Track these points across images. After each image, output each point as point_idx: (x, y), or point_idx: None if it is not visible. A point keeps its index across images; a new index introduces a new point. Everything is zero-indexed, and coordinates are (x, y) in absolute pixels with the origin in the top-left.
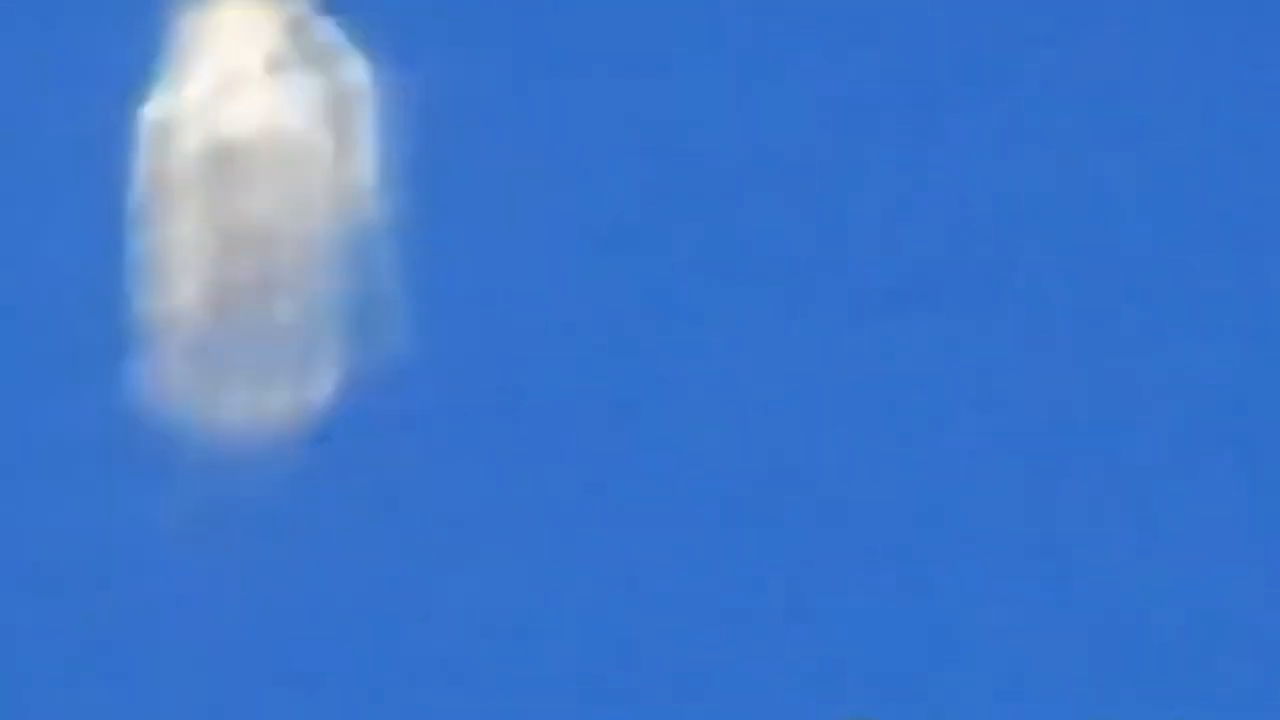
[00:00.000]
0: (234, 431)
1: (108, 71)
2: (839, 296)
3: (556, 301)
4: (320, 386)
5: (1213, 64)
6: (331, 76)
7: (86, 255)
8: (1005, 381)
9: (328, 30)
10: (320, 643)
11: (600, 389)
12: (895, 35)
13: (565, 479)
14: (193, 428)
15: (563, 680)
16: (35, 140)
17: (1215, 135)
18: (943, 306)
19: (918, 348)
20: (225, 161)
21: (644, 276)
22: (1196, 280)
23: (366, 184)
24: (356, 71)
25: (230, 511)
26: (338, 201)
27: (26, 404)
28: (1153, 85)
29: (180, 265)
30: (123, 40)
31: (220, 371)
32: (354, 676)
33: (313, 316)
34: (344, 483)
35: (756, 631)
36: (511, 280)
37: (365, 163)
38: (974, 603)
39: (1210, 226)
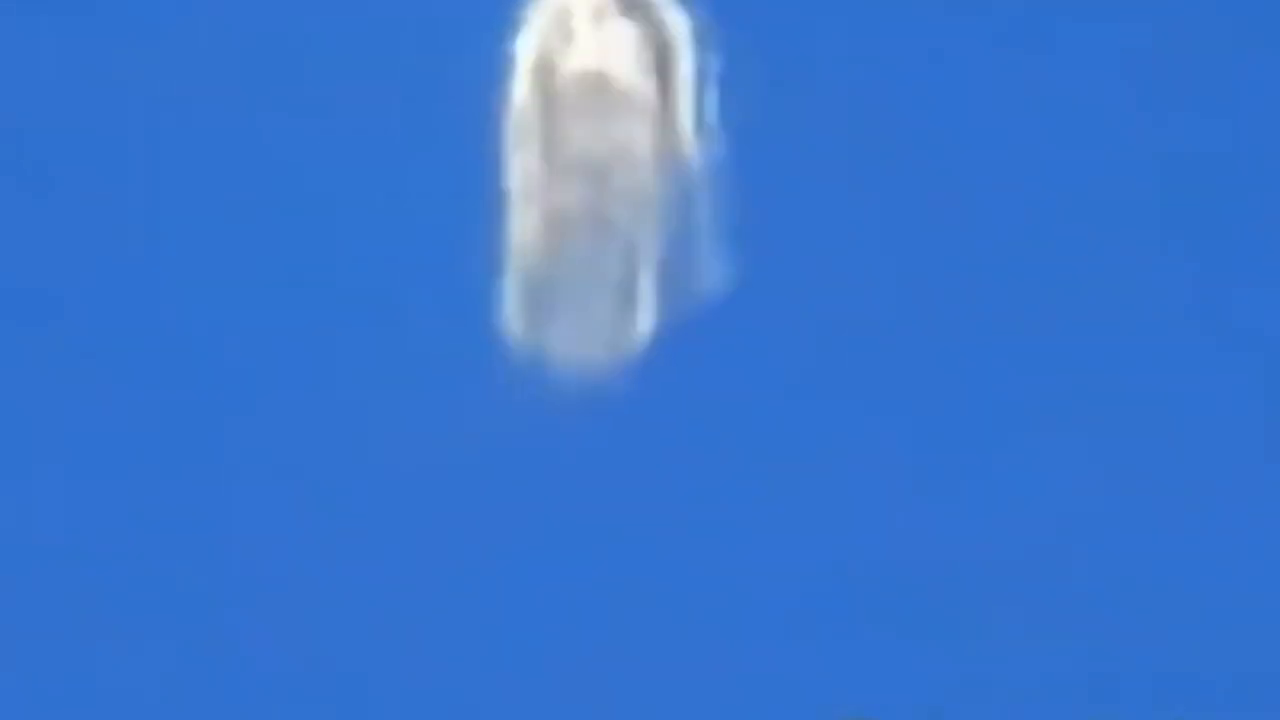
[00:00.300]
0: (563, 362)
1: (475, 11)
2: None
3: (874, 250)
4: (641, 324)
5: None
6: (654, 27)
7: (453, 188)
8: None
9: None
10: (645, 575)
11: (918, 341)
12: None
13: (878, 420)
14: (528, 357)
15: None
16: (406, 76)
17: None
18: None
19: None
20: (557, 101)
21: (970, 230)
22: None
23: (686, 132)
24: (678, 23)
25: (559, 444)
26: (659, 147)
27: (398, 331)
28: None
29: (521, 196)
30: None
31: (551, 301)
32: (688, 599)
33: (636, 256)
34: (662, 420)
35: None
36: (832, 229)
37: (685, 112)
38: (973, 603)
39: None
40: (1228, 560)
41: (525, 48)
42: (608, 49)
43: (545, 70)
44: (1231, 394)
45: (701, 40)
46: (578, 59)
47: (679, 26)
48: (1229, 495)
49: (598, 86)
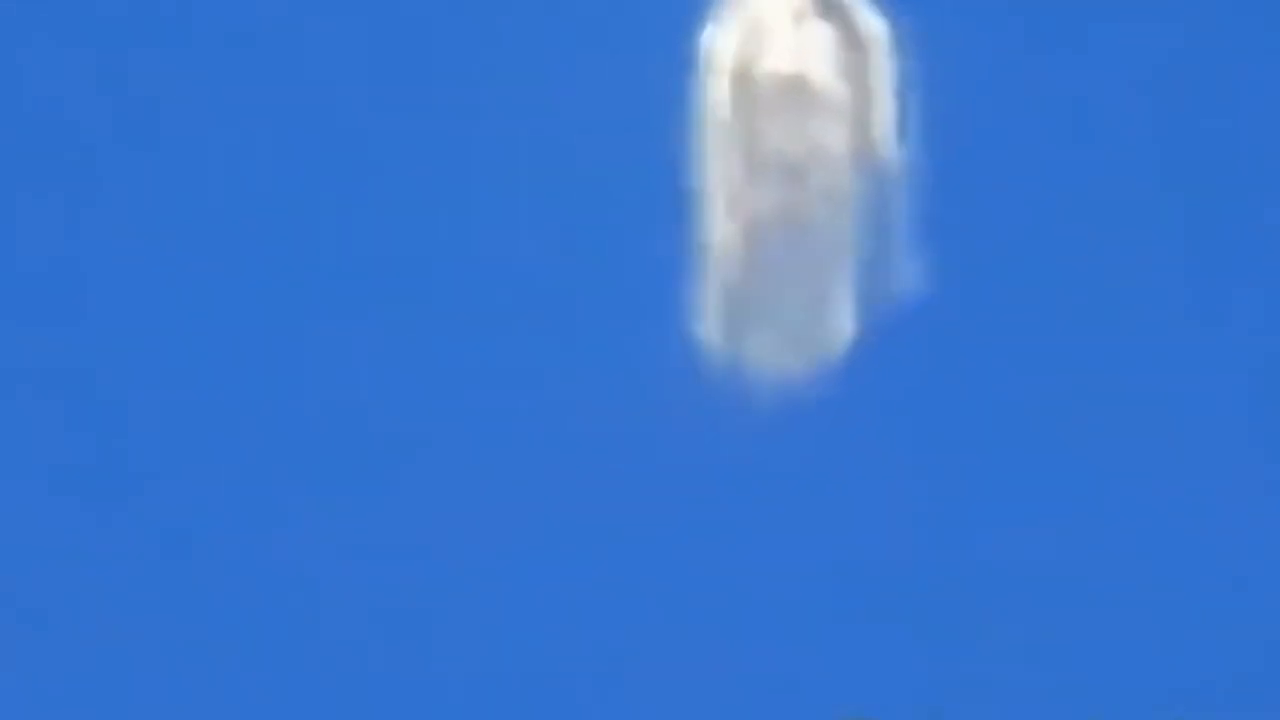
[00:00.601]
0: (761, 368)
1: (670, 11)
2: None
3: (1066, 252)
4: (840, 327)
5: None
6: (850, 29)
7: (646, 191)
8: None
9: None
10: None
11: (1103, 333)
12: None
13: (1070, 419)
14: (726, 362)
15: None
16: (599, 76)
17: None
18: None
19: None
20: (755, 102)
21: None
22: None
23: (883, 134)
24: (874, 25)
25: (758, 453)
26: (855, 149)
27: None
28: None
29: (717, 199)
30: None
31: (749, 306)
32: (894, 603)
33: (831, 258)
34: (869, 422)
35: None
36: (1021, 227)
37: (882, 113)
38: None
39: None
40: (1228, 560)
41: (722, 49)
42: (805, 51)
43: (742, 72)
44: (1234, 393)
45: (898, 43)
46: (775, 61)
47: (876, 28)
48: (1230, 495)
49: (795, 88)
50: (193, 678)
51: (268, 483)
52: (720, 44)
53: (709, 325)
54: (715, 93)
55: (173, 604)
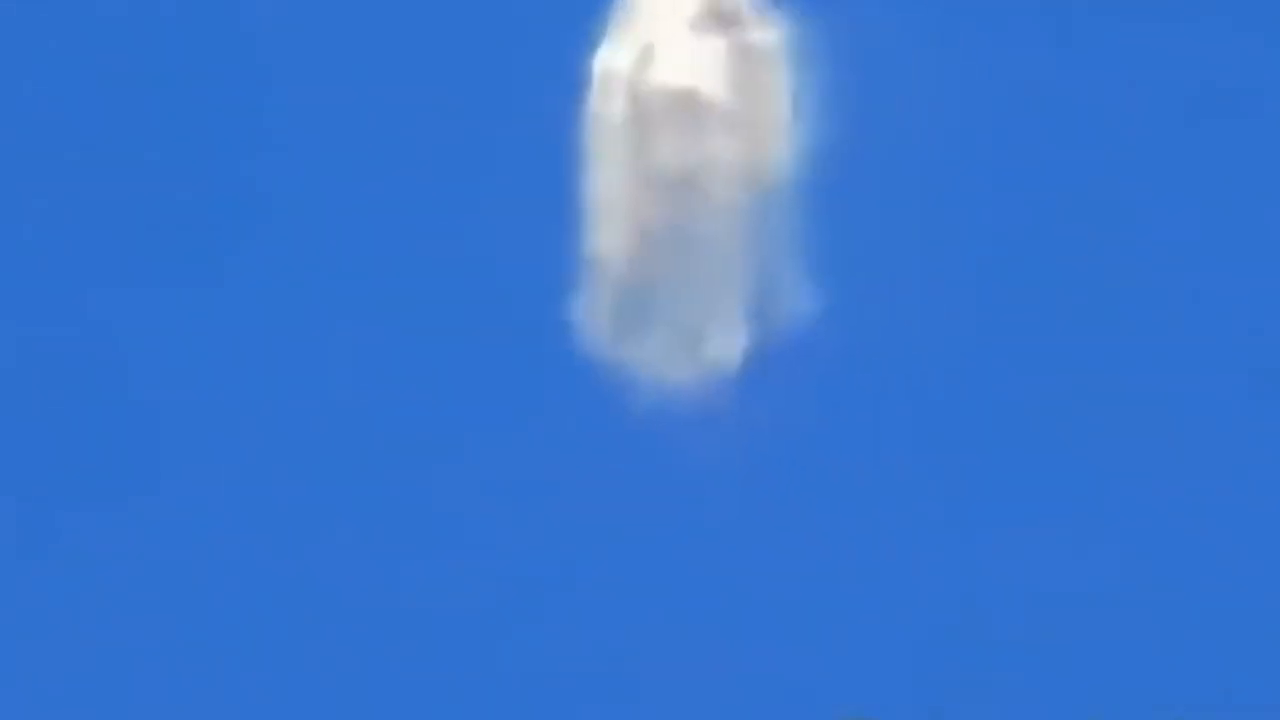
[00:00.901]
0: (648, 381)
1: (564, 22)
2: None
3: (972, 269)
4: (729, 342)
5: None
6: (744, 41)
7: (532, 198)
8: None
9: None
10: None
11: (1008, 368)
12: None
13: (960, 447)
14: (614, 374)
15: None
16: (487, 88)
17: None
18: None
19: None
20: (647, 115)
21: (1073, 252)
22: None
23: (775, 148)
24: (768, 38)
25: (648, 460)
26: (747, 163)
27: (471, 338)
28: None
29: (608, 211)
30: None
31: (637, 319)
32: (764, 613)
33: (721, 272)
34: (758, 437)
35: None
36: (927, 244)
37: (775, 127)
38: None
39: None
40: (1230, 560)
41: (614, 61)
42: (698, 63)
43: (634, 84)
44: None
45: (792, 54)
46: (667, 73)
47: (770, 41)
48: (1232, 495)
49: (687, 101)
50: (186, 677)
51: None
52: (613, 56)
53: (597, 338)
54: (607, 104)
55: (167, 604)
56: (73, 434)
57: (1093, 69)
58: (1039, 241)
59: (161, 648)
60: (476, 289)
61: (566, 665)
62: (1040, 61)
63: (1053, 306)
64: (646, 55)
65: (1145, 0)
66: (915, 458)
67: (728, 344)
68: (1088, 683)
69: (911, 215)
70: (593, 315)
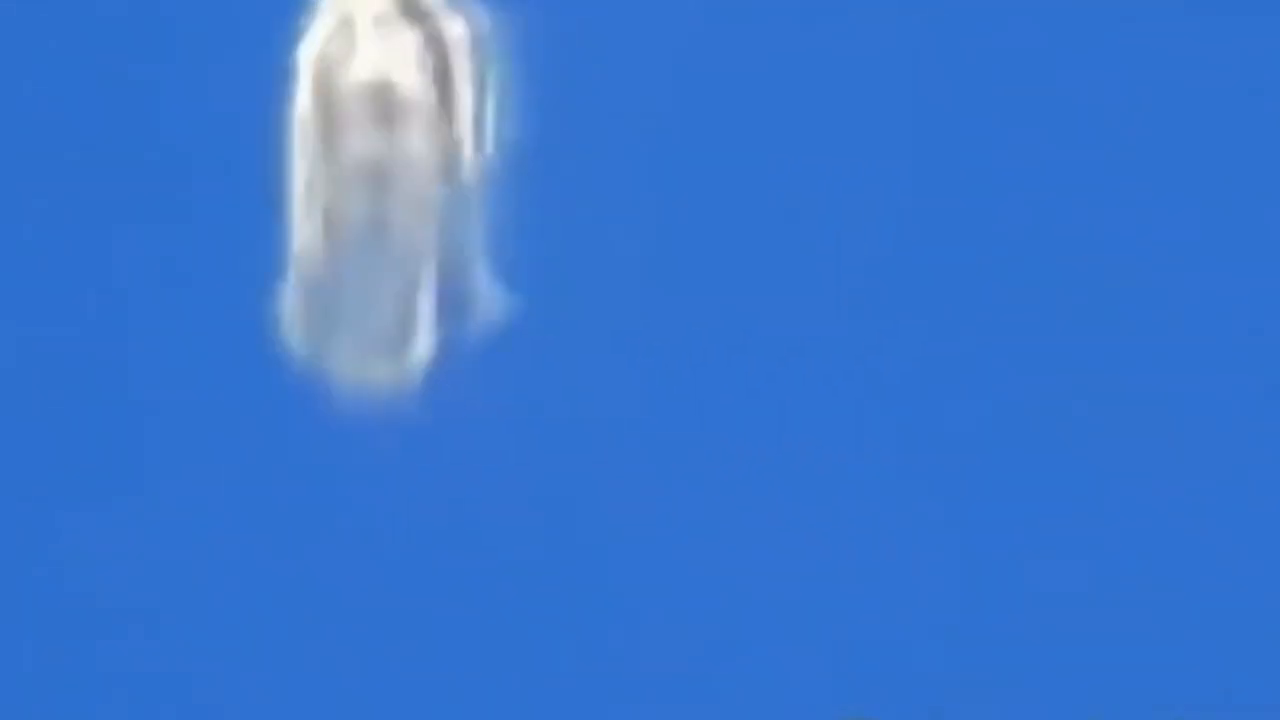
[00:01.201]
0: (345, 377)
1: (257, 16)
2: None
3: (659, 261)
4: (425, 337)
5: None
6: (434, 34)
7: (231, 188)
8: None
9: None
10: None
11: (700, 361)
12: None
13: (655, 444)
14: (311, 369)
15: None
16: (189, 80)
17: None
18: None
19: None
20: (340, 108)
21: (747, 236)
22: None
23: (468, 141)
24: (457, 29)
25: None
26: (440, 156)
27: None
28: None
29: (303, 206)
30: None
31: (333, 314)
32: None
33: (416, 266)
34: (455, 433)
35: None
36: (616, 238)
37: (466, 120)
38: (972, 603)
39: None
40: (1230, 560)
41: (308, 55)
42: (389, 56)
43: (328, 78)
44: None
45: (482, 47)
46: (359, 67)
47: (460, 32)
48: (1232, 496)
49: (380, 94)
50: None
51: None
52: (307, 50)
53: (294, 333)
54: (302, 98)
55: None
56: (70, 433)
57: (787, 56)
58: (743, 237)
59: (139, 645)
60: (175, 288)
61: (244, 663)
62: (730, 52)
63: (768, 305)
64: (341, 47)
65: None
66: (616, 456)
67: (421, 344)
68: (1072, 682)
69: (608, 211)
70: (289, 315)
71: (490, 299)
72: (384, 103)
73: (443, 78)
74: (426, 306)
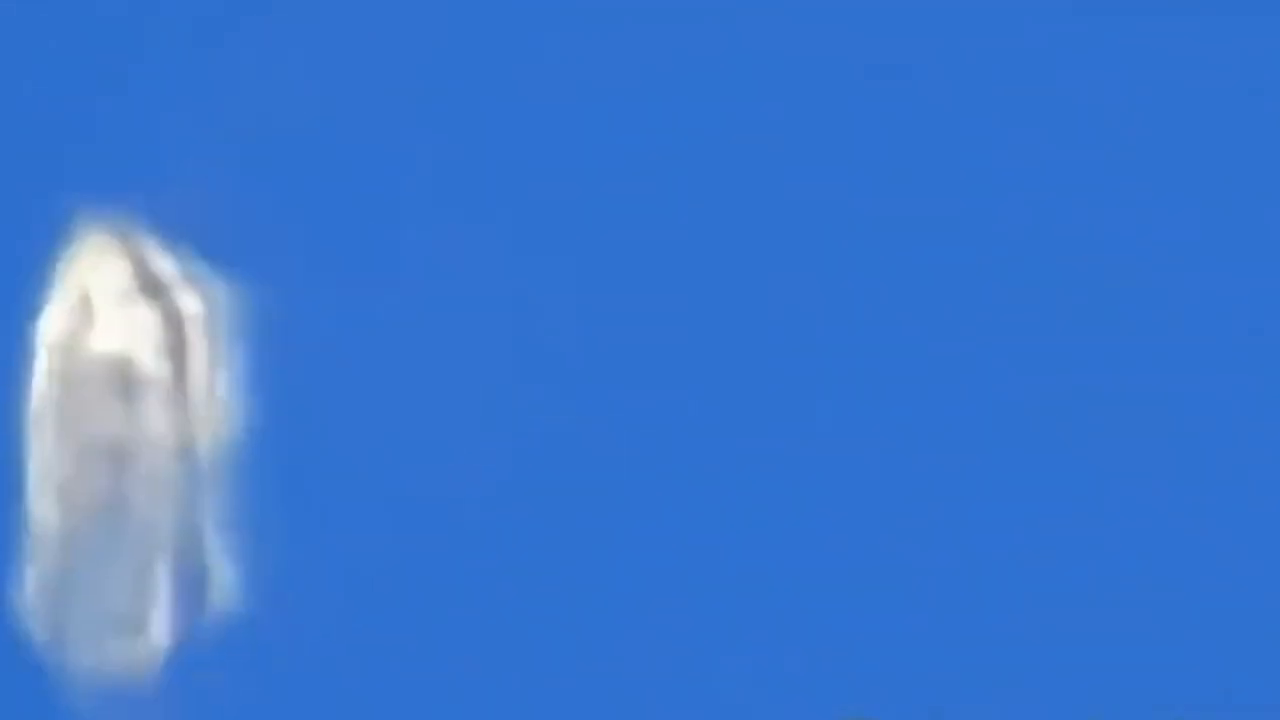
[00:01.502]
0: (82, 658)
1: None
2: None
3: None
4: (159, 632)
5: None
6: (172, 310)
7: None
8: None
9: (169, 263)
10: None
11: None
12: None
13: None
14: (49, 648)
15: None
16: None
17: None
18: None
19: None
20: (80, 383)
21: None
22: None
23: (202, 413)
24: (193, 304)
25: None
26: (177, 435)
27: None
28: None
29: (42, 482)
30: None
31: (70, 594)
32: None
33: (152, 548)
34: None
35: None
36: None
37: (202, 397)
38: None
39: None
40: (1230, 560)
41: (44, 330)
42: (129, 332)
43: (68, 352)
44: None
45: (219, 323)
46: (99, 341)
47: (196, 309)
48: (1232, 496)
49: (119, 370)
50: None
51: None
52: (49, 324)
53: (31, 607)
54: (39, 375)
55: None
56: None
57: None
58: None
59: None
60: None
61: None
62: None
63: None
64: (82, 322)
65: None
66: None
67: (158, 627)
68: (1072, 682)
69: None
70: (27, 590)
71: (226, 581)
72: (122, 380)
73: (179, 354)
74: (164, 587)
